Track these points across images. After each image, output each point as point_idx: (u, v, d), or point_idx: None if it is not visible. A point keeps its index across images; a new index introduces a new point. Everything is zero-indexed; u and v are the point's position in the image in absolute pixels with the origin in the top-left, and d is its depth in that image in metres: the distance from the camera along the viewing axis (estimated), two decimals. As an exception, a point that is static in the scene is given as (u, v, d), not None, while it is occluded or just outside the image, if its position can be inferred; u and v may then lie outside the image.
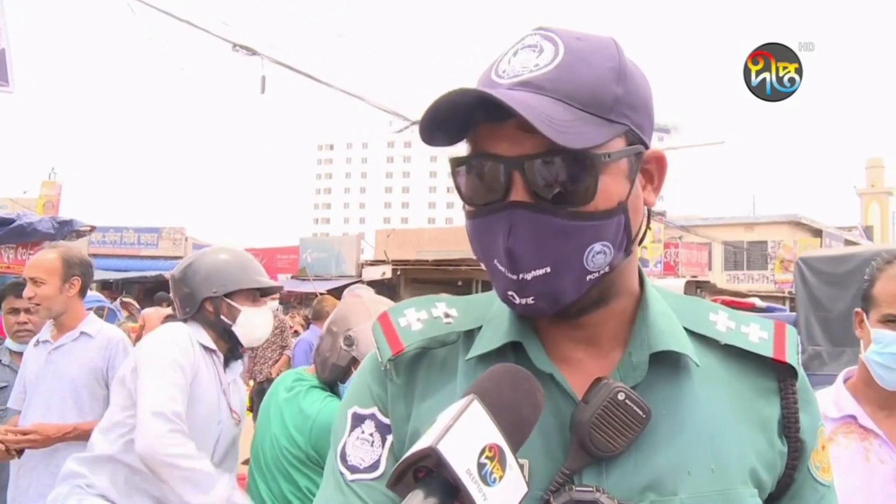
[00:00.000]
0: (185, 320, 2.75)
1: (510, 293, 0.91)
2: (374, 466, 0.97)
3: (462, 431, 0.73)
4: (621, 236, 0.91)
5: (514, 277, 0.89)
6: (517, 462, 0.76)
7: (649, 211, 1.00)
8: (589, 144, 0.85)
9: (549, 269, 0.88)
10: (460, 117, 0.88)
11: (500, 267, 0.90)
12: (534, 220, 0.87)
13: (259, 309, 2.81)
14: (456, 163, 0.93)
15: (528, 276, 0.88)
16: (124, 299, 14.59)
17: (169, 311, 11.00)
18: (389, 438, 0.98)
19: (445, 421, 0.74)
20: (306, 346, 6.91)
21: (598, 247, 0.88)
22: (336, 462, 1.00)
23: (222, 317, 2.73)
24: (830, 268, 8.31)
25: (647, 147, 0.94)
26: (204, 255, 2.84)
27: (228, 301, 2.73)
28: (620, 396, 0.89)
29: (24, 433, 3.11)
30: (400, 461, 0.73)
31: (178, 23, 11.20)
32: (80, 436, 3.19)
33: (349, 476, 0.98)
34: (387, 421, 0.99)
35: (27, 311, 3.72)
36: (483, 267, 0.95)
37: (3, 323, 3.82)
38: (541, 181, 0.87)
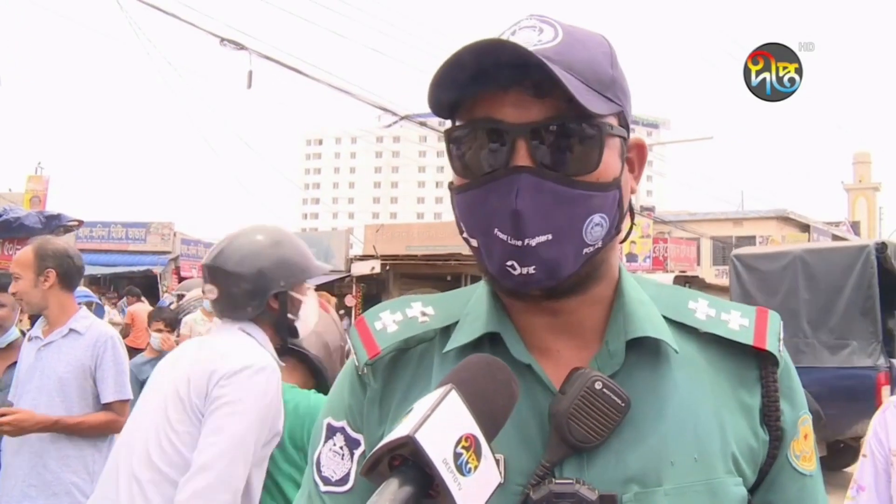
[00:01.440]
0: (236, 319, 2.32)
1: (509, 263, 0.88)
2: (343, 480, 0.99)
3: (439, 421, 0.73)
4: (615, 212, 0.91)
5: (518, 244, 0.87)
6: (492, 452, 0.76)
7: (632, 206, 1.00)
8: (601, 111, 0.87)
9: (550, 236, 0.86)
10: (469, 79, 0.87)
11: (502, 235, 0.87)
12: (541, 185, 0.86)
13: (311, 295, 2.46)
14: (453, 131, 0.92)
15: (533, 242, 0.86)
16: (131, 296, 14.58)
17: (149, 306, 10.95)
18: (357, 452, 0.99)
19: (423, 410, 0.73)
20: None
21: (597, 218, 0.88)
22: (312, 470, 1.02)
23: (288, 313, 2.36)
24: (763, 265, 8.71)
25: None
26: (250, 240, 2.35)
27: (293, 293, 2.36)
28: (597, 385, 0.88)
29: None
30: (376, 448, 0.73)
31: (164, 16, 11.14)
32: (64, 429, 3.18)
33: (322, 487, 1.00)
34: (356, 436, 1.00)
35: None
36: (472, 246, 0.93)
37: None
38: (547, 148, 0.87)
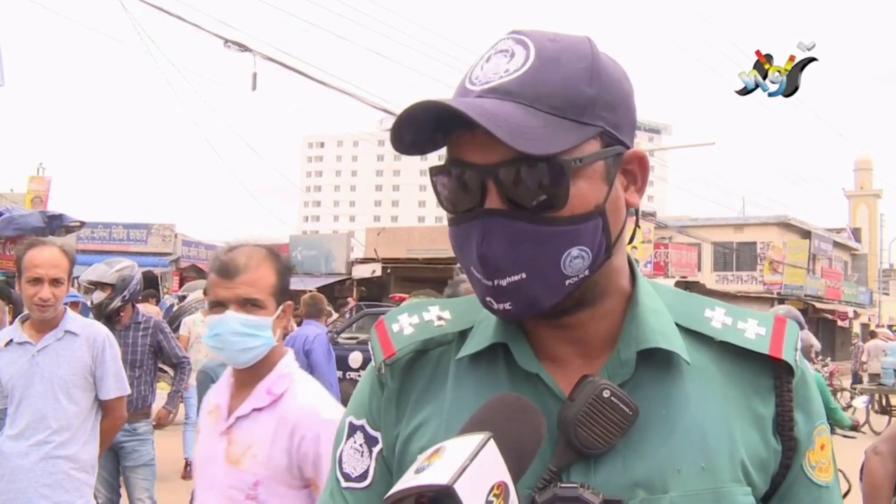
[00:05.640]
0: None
1: (488, 299, 0.91)
2: (363, 476, 1.02)
3: (476, 471, 0.74)
4: (599, 240, 0.90)
5: (490, 283, 0.89)
6: (517, 493, 0.78)
7: (637, 211, 1.00)
8: (555, 150, 0.85)
9: (524, 276, 0.88)
10: (432, 126, 0.89)
11: (477, 273, 0.90)
12: (507, 227, 0.87)
13: None
14: (434, 171, 0.94)
15: (504, 283, 0.89)
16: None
17: (155, 307, 10.94)
18: (376, 450, 1.03)
19: (460, 457, 0.75)
20: (304, 340, 6.86)
21: (575, 251, 0.88)
22: (335, 467, 1.06)
23: None
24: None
25: (626, 147, 0.94)
26: None
27: None
28: (605, 394, 0.89)
29: None
30: (409, 486, 0.74)
31: (168, 18, 11.17)
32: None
33: (343, 483, 1.03)
34: (374, 434, 1.03)
35: None
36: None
37: None
38: (513, 188, 0.87)
